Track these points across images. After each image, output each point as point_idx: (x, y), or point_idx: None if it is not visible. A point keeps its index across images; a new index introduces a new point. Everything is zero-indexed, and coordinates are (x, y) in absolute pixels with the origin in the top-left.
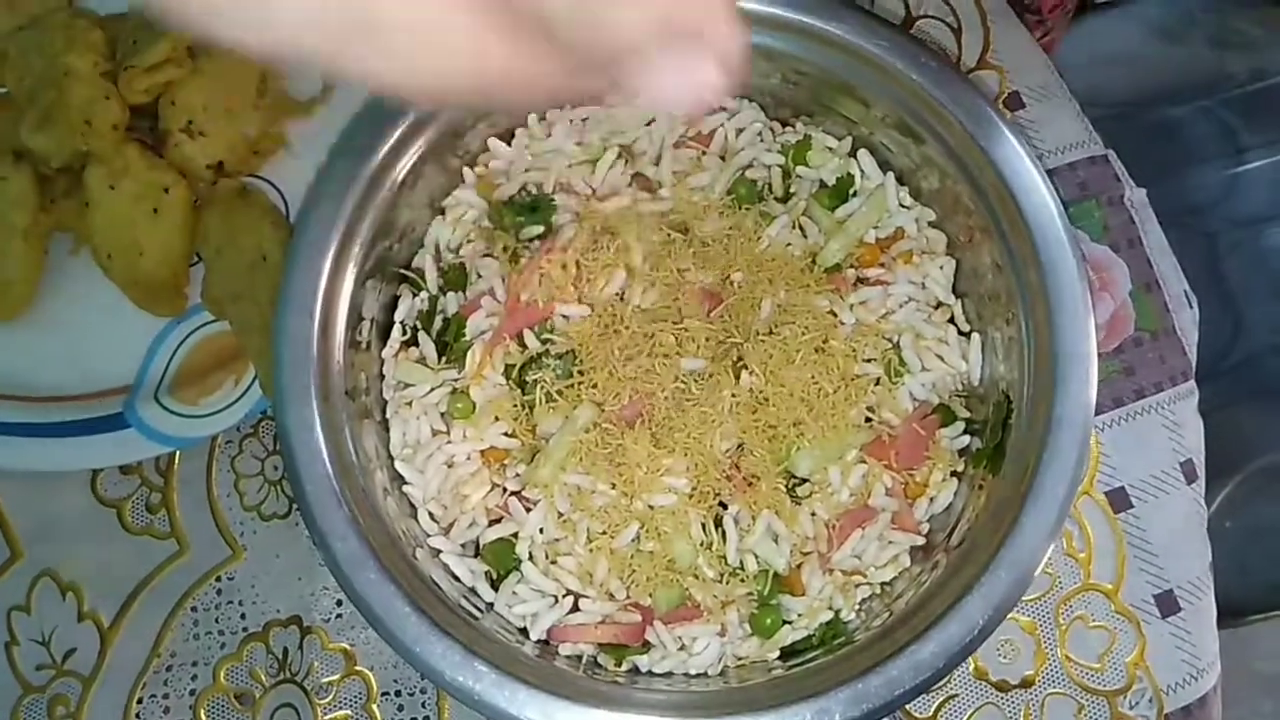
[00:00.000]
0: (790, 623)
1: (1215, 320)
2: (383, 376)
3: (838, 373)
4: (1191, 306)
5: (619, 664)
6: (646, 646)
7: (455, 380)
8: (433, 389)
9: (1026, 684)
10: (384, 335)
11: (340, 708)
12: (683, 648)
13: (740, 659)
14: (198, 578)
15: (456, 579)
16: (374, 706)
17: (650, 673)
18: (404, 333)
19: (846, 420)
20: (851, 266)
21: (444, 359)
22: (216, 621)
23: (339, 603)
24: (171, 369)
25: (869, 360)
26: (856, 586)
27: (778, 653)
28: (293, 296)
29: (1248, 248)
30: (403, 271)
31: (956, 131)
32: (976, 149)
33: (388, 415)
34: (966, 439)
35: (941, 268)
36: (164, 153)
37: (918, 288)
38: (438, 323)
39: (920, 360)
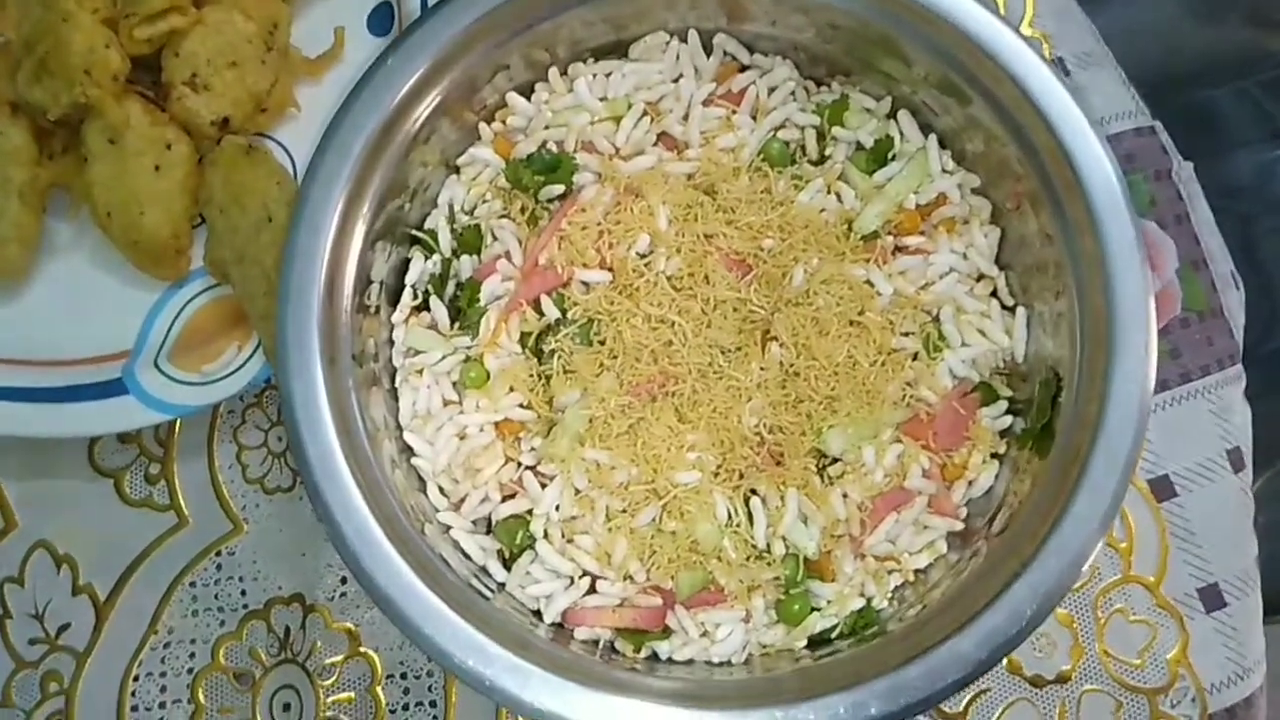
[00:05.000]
0: (819, 610)
1: (1252, 305)
2: (392, 343)
3: (873, 346)
4: (1238, 288)
5: (637, 650)
6: (666, 632)
7: (468, 348)
8: (444, 356)
9: (1062, 679)
10: (394, 300)
11: (344, 689)
12: (705, 634)
13: (765, 647)
14: (198, 552)
15: (467, 557)
16: (378, 689)
17: (670, 660)
18: (415, 297)
19: (882, 397)
20: (890, 234)
21: (457, 325)
22: (216, 598)
23: (343, 580)
24: (173, 334)
25: (906, 334)
26: (889, 573)
27: (805, 641)
28: (297, 255)
29: None
30: (414, 233)
31: (1009, 89)
32: (1031, 108)
33: (397, 383)
34: (1009, 419)
35: (986, 237)
36: (166, 107)
37: (960, 258)
38: (450, 287)
39: (961, 335)
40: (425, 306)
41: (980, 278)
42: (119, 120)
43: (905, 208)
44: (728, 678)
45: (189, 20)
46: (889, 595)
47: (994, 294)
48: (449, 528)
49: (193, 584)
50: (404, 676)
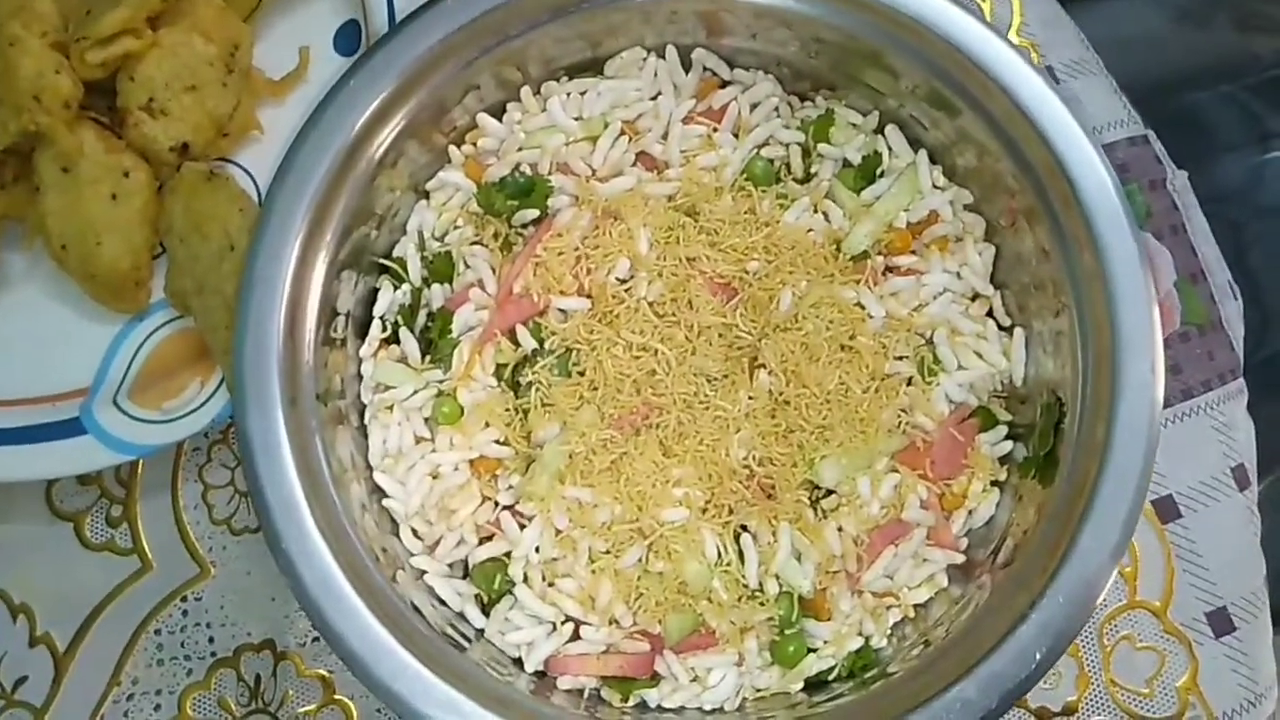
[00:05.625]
0: (815, 651)
1: (1244, 313)
2: (360, 377)
3: (866, 372)
4: (1236, 298)
5: (625, 699)
6: (655, 679)
7: (441, 381)
8: (416, 391)
9: (1069, 711)
10: (361, 332)
11: None
12: (695, 679)
13: (760, 691)
14: (162, 598)
15: (442, 603)
16: None
17: (660, 708)
18: (384, 329)
19: (876, 424)
20: (880, 254)
21: (428, 358)
22: (183, 646)
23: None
24: (133, 370)
25: (900, 358)
26: (888, 609)
27: (801, 685)
28: (255, 284)
29: (1273, 239)
30: (382, 261)
31: (1000, 101)
32: (1024, 120)
33: (366, 420)
34: (1009, 445)
35: (980, 255)
36: (123, 133)
37: (953, 277)
38: (421, 318)
39: (957, 358)
40: (395, 339)
41: (975, 297)
42: (72, 148)
43: (895, 226)
44: None
45: (144, 43)
46: (888, 633)
47: (990, 314)
48: (423, 573)
49: (158, 631)
50: None
